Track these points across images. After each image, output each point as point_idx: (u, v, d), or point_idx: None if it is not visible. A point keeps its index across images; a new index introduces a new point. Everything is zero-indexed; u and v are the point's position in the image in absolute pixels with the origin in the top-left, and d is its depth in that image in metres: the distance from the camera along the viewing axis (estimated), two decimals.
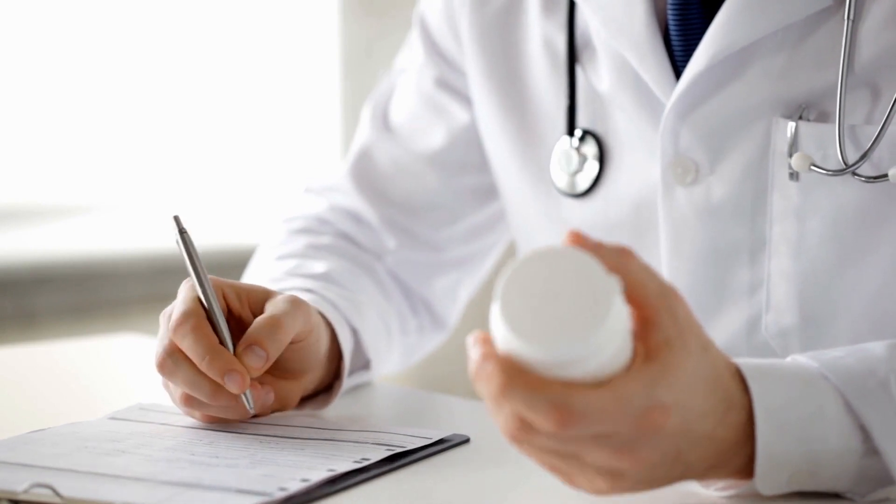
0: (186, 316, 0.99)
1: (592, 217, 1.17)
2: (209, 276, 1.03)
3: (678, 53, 1.09)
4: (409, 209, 1.31)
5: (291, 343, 1.03)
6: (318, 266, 1.22)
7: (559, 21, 1.19)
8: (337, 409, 1.11)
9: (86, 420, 1.03)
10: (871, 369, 0.84)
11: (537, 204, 1.22)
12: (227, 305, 1.03)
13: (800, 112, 1.05)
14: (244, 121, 3.19)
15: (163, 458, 0.92)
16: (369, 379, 1.21)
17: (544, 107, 1.21)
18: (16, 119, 2.91)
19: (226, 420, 1.02)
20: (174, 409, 1.05)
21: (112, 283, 2.91)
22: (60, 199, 2.99)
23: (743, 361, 0.82)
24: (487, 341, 0.76)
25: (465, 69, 1.28)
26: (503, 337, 0.74)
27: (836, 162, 1.03)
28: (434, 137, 1.31)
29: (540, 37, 1.20)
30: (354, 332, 1.16)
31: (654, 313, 0.77)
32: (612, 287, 0.74)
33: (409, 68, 1.34)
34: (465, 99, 1.30)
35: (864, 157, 1.02)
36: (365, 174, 1.33)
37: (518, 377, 0.74)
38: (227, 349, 1.00)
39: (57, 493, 0.83)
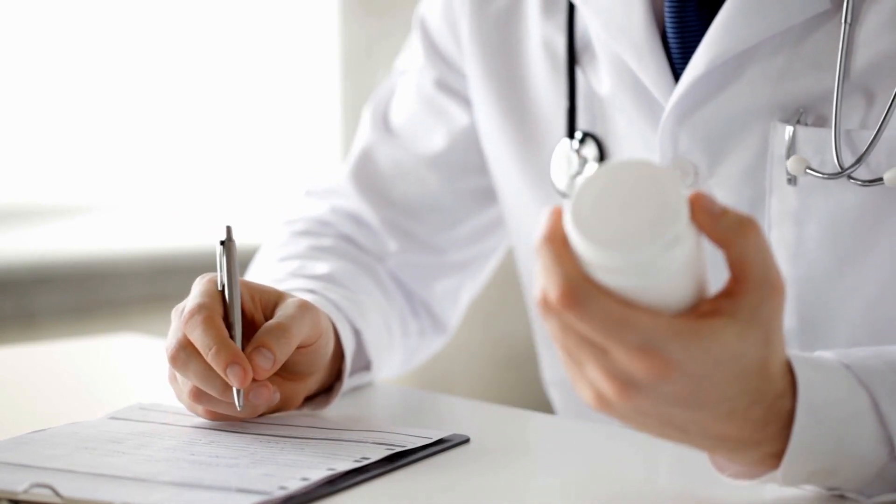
0: (199, 308, 1.00)
1: None
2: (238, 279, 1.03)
3: (676, 56, 1.09)
4: (410, 211, 1.31)
5: (299, 347, 1.03)
6: (321, 267, 1.22)
7: (559, 23, 1.19)
8: (337, 408, 1.11)
9: (86, 420, 1.03)
10: None
11: (537, 206, 1.22)
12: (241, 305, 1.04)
13: (797, 116, 1.05)
14: (244, 121, 3.19)
15: (163, 458, 0.92)
16: (370, 380, 1.21)
17: (544, 109, 1.21)
18: (16, 119, 2.91)
19: (230, 418, 1.02)
20: (174, 409, 1.05)
21: (112, 283, 2.91)
22: (60, 199, 2.99)
23: (794, 353, 0.81)
24: (557, 211, 0.76)
25: (465, 71, 1.28)
26: (566, 216, 0.75)
27: (832, 166, 1.03)
28: (434, 140, 1.31)
29: (540, 39, 1.21)
30: (357, 333, 1.17)
31: (741, 295, 0.76)
32: (679, 223, 0.73)
33: (410, 70, 1.34)
34: (465, 101, 1.30)
35: (859, 161, 1.02)
36: (366, 176, 1.33)
37: (555, 241, 0.74)
38: (237, 345, 1.00)
39: (57, 494, 0.83)
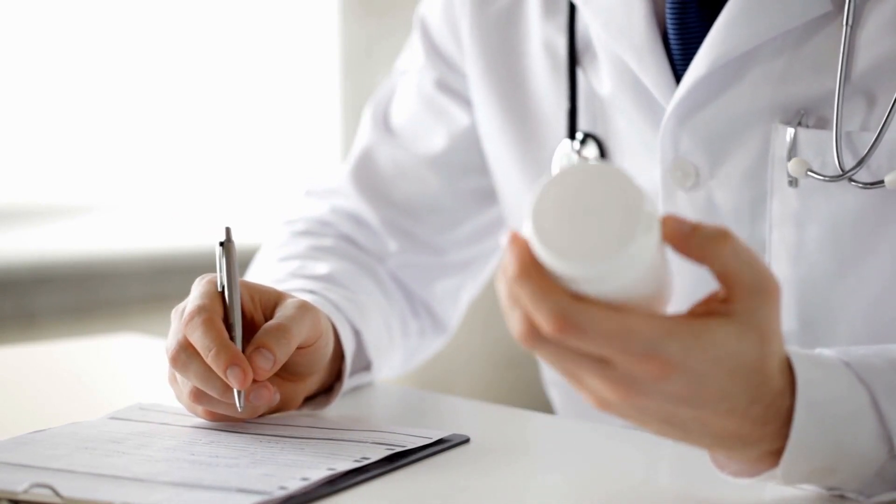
0: (199, 309, 1.00)
1: None
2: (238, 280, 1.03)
3: (677, 57, 1.09)
4: (411, 212, 1.31)
5: (299, 348, 1.03)
6: (321, 267, 1.22)
7: (559, 24, 1.19)
8: (337, 408, 1.11)
9: (86, 420, 1.03)
10: None
11: None
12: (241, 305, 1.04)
13: (798, 118, 1.05)
14: (244, 121, 3.19)
15: (163, 458, 0.92)
16: (370, 380, 1.21)
17: (545, 109, 1.21)
18: (16, 119, 2.91)
19: (230, 418, 1.02)
20: (174, 409, 1.05)
21: (112, 283, 2.91)
22: (60, 199, 2.99)
23: (794, 350, 0.82)
24: (518, 240, 0.75)
25: (466, 71, 1.28)
26: (529, 239, 0.73)
27: (833, 168, 1.03)
28: (435, 140, 1.31)
29: (540, 39, 1.21)
30: (357, 334, 1.17)
31: (735, 301, 0.76)
32: (643, 221, 0.72)
33: (410, 70, 1.34)
34: (465, 101, 1.30)
35: (860, 163, 1.02)
36: (366, 177, 1.33)
37: (532, 274, 0.73)
38: (237, 346, 1.00)
39: (57, 494, 0.83)
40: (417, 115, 1.32)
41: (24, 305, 2.79)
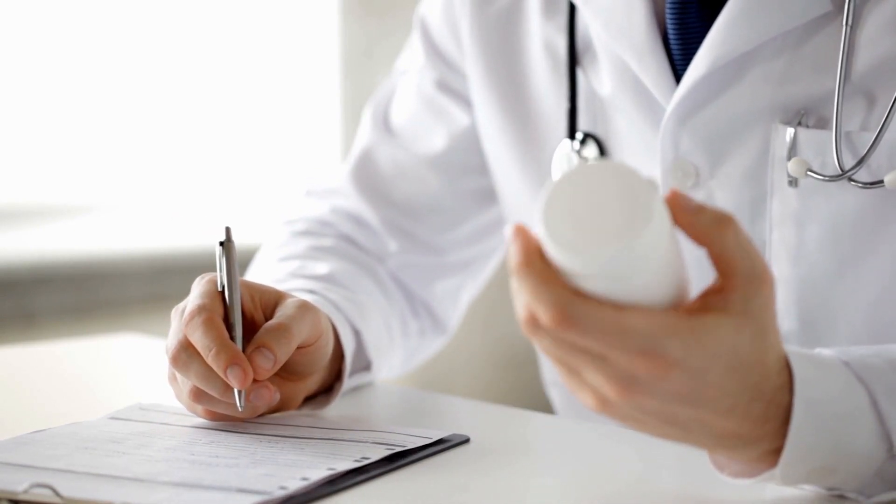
0: (200, 309, 1.00)
1: None
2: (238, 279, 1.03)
3: (677, 57, 1.10)
4: (411, 212, 1.32)
5: (299, 348, 1.03)
6: (321, 267, 1.22)
7: (560, 24, 1.19)
8: (337, 408, 1.11)
9: (86, 420, 1.03)
10: None
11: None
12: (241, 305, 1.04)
13: (798, 118, 1.06)
14: (244, 121, 3.19)
15: (163, 458, 0.92)
16: (370, 380, 1.21)
17: (545, 110, 1.21)
18: (16, 119, 2.91)
19: (230, 418, 1.02)
20: (174, 409, 1.05)
21: (112, 283, 2.91)
22: (60, 199, 2.99)
23: (792, 350, 0.82)
24: (522, 231, 0.75)
25: (466, 71, 1.28)
26: (540, 236, 0.74)
27: (833, 168, 1.04)
28: (435, 140, 1.31)
29: (540, 39, 1.21)
30: (357, 334, 1.17)
31: (730, 290, 0.76)
32: (654, 217, 0.72)
33: (410, 70, 1.34)
34: (465, 101, 1.30)
35: (860, 163, 1.02)
36: (366, 177, 1.33)
37: (535, 265, 0.74)
38: (237, 346, 1.00)
39: (57, 494, 0.83)
40: (417, 116, 1.32)
41: (24, 305, 2.79)
